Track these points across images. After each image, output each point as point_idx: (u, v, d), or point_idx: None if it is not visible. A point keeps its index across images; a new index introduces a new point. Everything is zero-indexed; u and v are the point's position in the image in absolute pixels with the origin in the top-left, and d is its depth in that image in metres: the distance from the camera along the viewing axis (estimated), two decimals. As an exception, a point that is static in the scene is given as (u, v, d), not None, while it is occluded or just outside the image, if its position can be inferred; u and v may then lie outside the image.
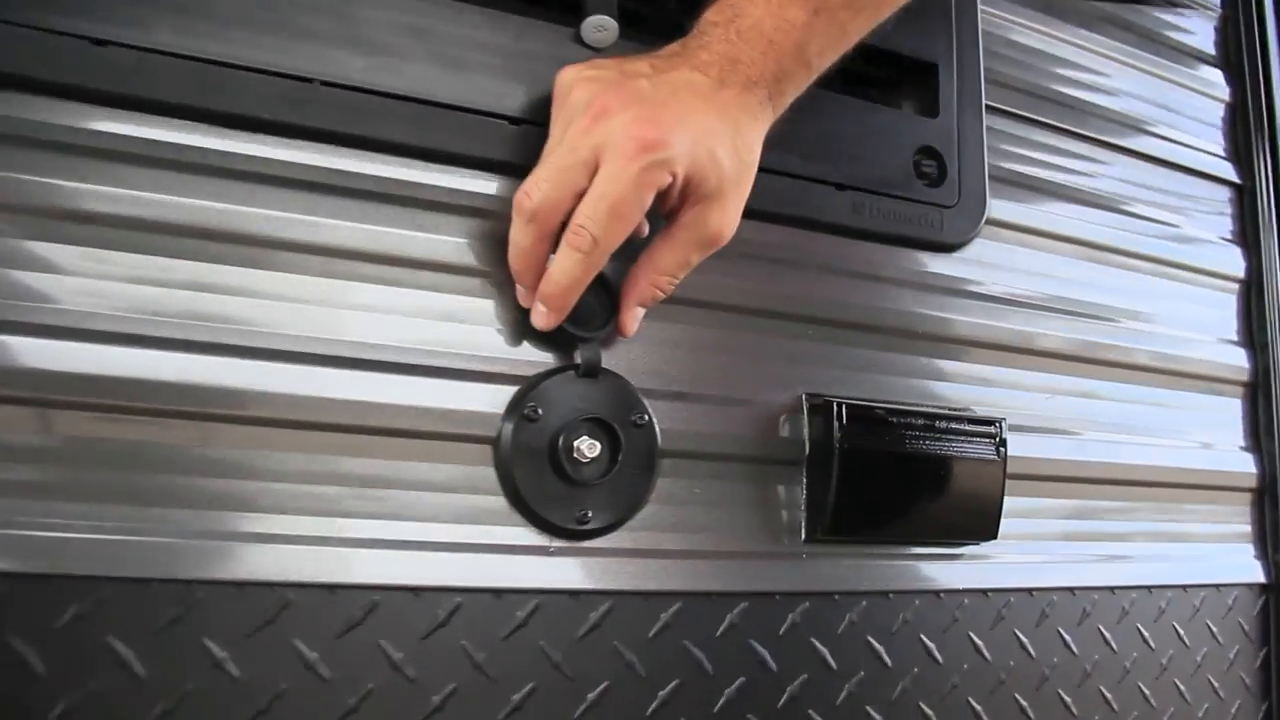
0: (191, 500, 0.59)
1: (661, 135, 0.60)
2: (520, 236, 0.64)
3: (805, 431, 0.77)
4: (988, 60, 0.90)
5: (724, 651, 0.72)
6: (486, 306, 0.68)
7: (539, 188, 0.62)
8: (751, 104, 0.65)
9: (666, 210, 0.66)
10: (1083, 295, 0.94)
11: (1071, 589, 0.89)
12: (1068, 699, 0.88)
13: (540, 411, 0.67)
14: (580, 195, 0.61)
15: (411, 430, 0.65)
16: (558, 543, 0.68)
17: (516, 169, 0.67)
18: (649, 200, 0.62)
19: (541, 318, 0.65)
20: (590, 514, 0.68)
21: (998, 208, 0.90)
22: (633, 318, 0.69)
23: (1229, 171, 1.09)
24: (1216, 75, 1.14)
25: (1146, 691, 0.93)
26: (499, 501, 0.67)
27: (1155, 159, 1.05)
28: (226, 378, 0.60)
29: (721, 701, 0.72)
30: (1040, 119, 0.96)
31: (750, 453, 0.75)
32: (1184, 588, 0.96)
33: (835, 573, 0.77)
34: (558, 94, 0.65)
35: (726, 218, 0.66)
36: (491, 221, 0.68)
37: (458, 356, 0.67)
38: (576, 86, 0.63)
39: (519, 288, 0.67)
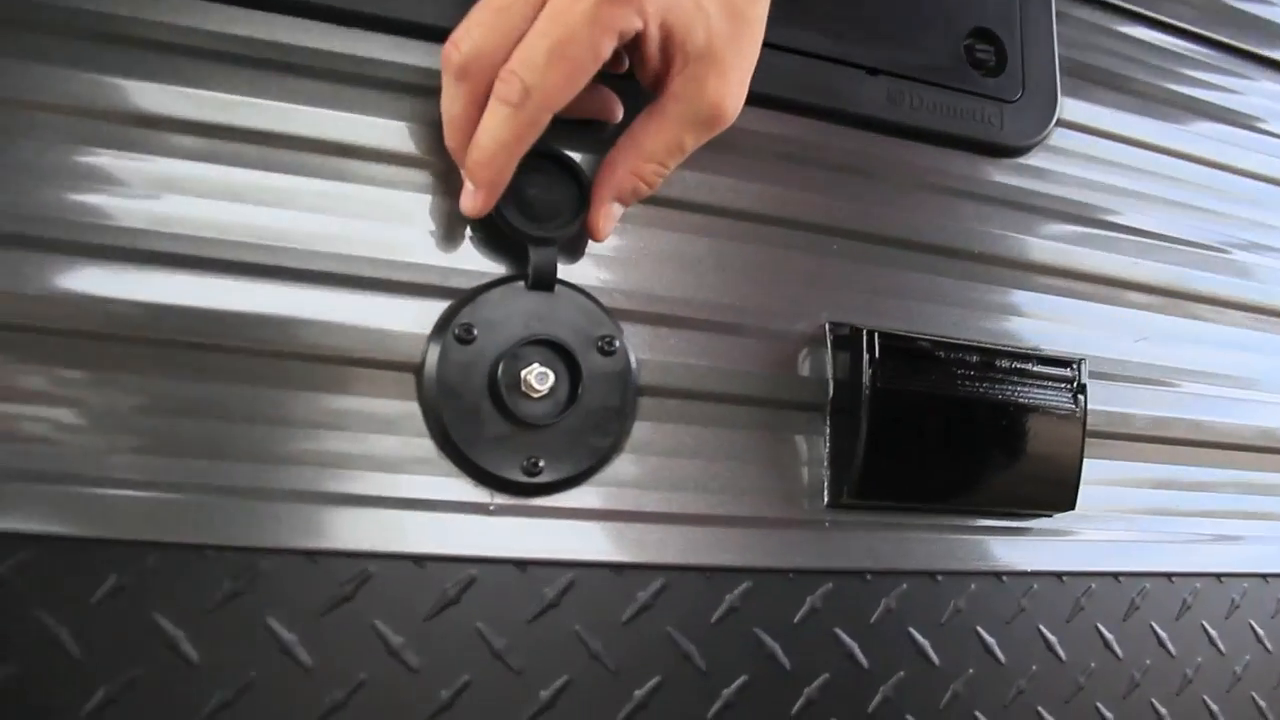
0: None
1: None
2: (450, 101, 0.49)
3: (829, 368, 0.61)
4: (1059, -70, 0.74)
5: (721, 643, 0.57)
6: (418, 203, 0.54)
7: (469, 35, 0.48)
8: None
9: (650, 78, 0.52)
10: (1183, 221, 0.76)
11: (1168, 575, 0.72)
12: (1162, 710, 0.71)
13: (476, 331, 0.52)
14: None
15: (322, 354, 0.51)
16: (500, 498, 0.53)
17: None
18: (605, 47, 0.47)
19: (468, 197, 0.51)
20: (542, 462, 0.53)
21: (1073, 108, 0.73)
22: (606, 216, 0.54)
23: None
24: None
25: (1262, 703, 0.75)
26: (425, 445, 0.53)
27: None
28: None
29: (718, 705, 0.57)
30: (1124, 4, 0.78)
31: (758, 393, 0.59)
32: (1310, 576, 0.78)
33: (867, 547, 0.61)
34: None
35: (727, 87, 0.51)
36: (427, 99, 0.53)
37: (379, 263, 0.52)
38: None
39: (463, 172, 0.52)
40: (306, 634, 0.49)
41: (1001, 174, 0.70)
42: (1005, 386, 0.64)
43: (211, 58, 0.51)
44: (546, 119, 0.48)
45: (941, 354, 0.62)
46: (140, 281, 0.49)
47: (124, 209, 0.49)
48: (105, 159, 0.49)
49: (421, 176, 0.54)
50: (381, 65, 0.54)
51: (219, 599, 0.48)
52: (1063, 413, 0.65)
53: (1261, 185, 0.80)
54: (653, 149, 0.52)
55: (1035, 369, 0.65)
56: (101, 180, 0.49)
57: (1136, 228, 0.74)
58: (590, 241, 0.56)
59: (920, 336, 0.62)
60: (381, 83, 0.54)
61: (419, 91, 0.54)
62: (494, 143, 0.48)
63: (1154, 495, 0.73)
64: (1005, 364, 0.64)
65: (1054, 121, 0.71)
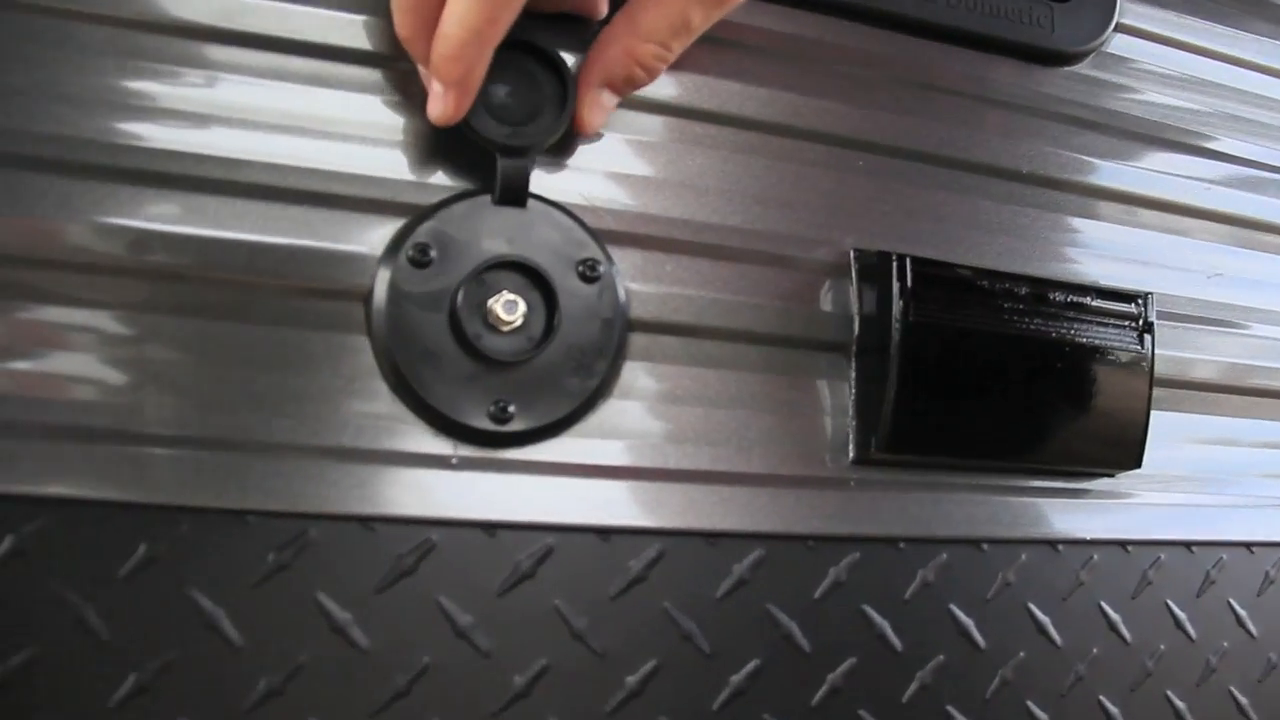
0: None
1: None
2: None
3: (853, 302, 0.53)
4: None
5: (728, 621, 0.49)
6: (370, 107, 0.46)
7: None
8: None
9: None
10: (1260, 142, 0.67)
11: (1248, 544, 0.63)
12: (1241, 698, 0.62)
13: (433, 253, 0.44)
14: None
15: (255, 281, 0.43)
16: (465, 450, 0.45)
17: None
18: None
19: (436, 101, 0.42)
20: (512, 408, 0.45)
21: (1134, 10, 0.63)
22: (594, 104, 0.45)
23: None
24: None
25: (1356, 691, 0.66)
26: (376, 387, 0.45)
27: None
28: None
29: (725, 694, 0.48)
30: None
31: (770, 330, 0.51)
32: None
33: (899, 509, 0.53)
34: None
35: None
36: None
37: (324, 175, 0.44)
38: None
39: (419, 68, 0.44)
40: (238, 610, 0.41)
41: (1051, 84, 0.61)
42: (1060, 323, 0.55)
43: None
44: (520, 2, 0.39)
45: (985, 284, 0.53)
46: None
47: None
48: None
49: (367, 76, 0.46)
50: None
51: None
52: (1127, 355, 0.57)
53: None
54: (652, 27, 0.44)
55: (1095, 304, 0.56)
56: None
57: (1206, 149, 0.65)
58: (572, 152, 0.48)
59: (960, 265, 0.53)
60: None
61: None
62: (463, 29, 0.40)
63: (1232, 453, 0.64)
64: (1060, 297, 0.55)
65: (1112, 26, 0.62)
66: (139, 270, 0.42)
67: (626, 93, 0.46)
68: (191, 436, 0.42)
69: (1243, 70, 0.67)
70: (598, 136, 0.48)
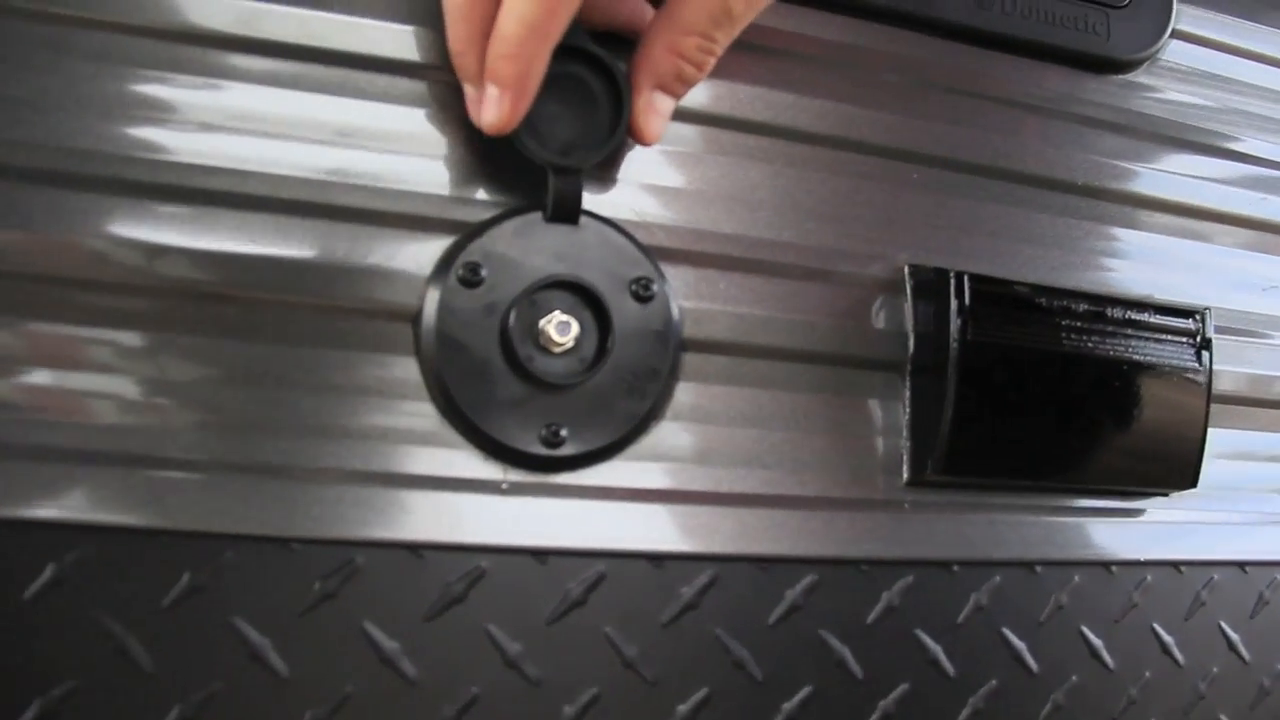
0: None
1: None
2: None
3: (908, 319, 0.51)
4: None
5: (780, 647, 0.48)
6: (417, 120, 0.45)
7: None
8: None
9: None
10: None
11: (1301, 564, 0.62)
12: (1295, 724, 0.61)
13: (485, 273, 0.43)
14: None
15: (297, 302, 0.42)
16: (515, 475, 0.44)
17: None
18: None
19: (492, 105, 0.41)
20: (564, 431, 0.44)
21: (1191, 16, 0.62)
22: (649, 110, 0.44)
23: None
24: None
25: None
26: (424, 410, 0.44)
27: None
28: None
29: (777, 722, 0.47)
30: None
31: (823, 349, 0.50)
32: None
33: (954, 532, 0.52)
34: None
35: None
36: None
37: (370, 192, 0.43)
38: None
39: (466, 86, 0.42)
40: (281, 640, 0.40)
41: (1107, 92, 0.59)
42: (1117, 341, 0.54)
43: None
44: None
45: (1044, 302, 0.52)
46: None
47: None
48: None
49: (414, 90, 0.45)
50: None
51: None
52: (1184, 372, 0.55)
53: None
54: (692, 19, 0.42)
55: (1152, 320, 0.55)
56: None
57: (1264, 158, 0.63)
58: (622, 166, 0.47)
59: (1018, 282, 0.52)
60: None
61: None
62: (522, 25, 0.38)
63: (1286, 471, 0.62)
64: (1117, 314, 0.54)
65: (1168, 32, 0.60)
66: (183, 292, 0.41)
67: (680, 92, 0.45)
68: (235, 463, 0.41)
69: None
70: (651, 151, 0.47)
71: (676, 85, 0.44)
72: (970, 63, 0.56)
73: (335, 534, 0.42)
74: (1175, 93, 0.61)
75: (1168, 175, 0.60)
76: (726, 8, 0.42)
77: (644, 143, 0.45)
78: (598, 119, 0.44)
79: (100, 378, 0.40)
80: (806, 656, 0.48)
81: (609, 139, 0.44)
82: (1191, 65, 0.62)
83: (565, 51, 0.41)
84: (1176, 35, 0.61)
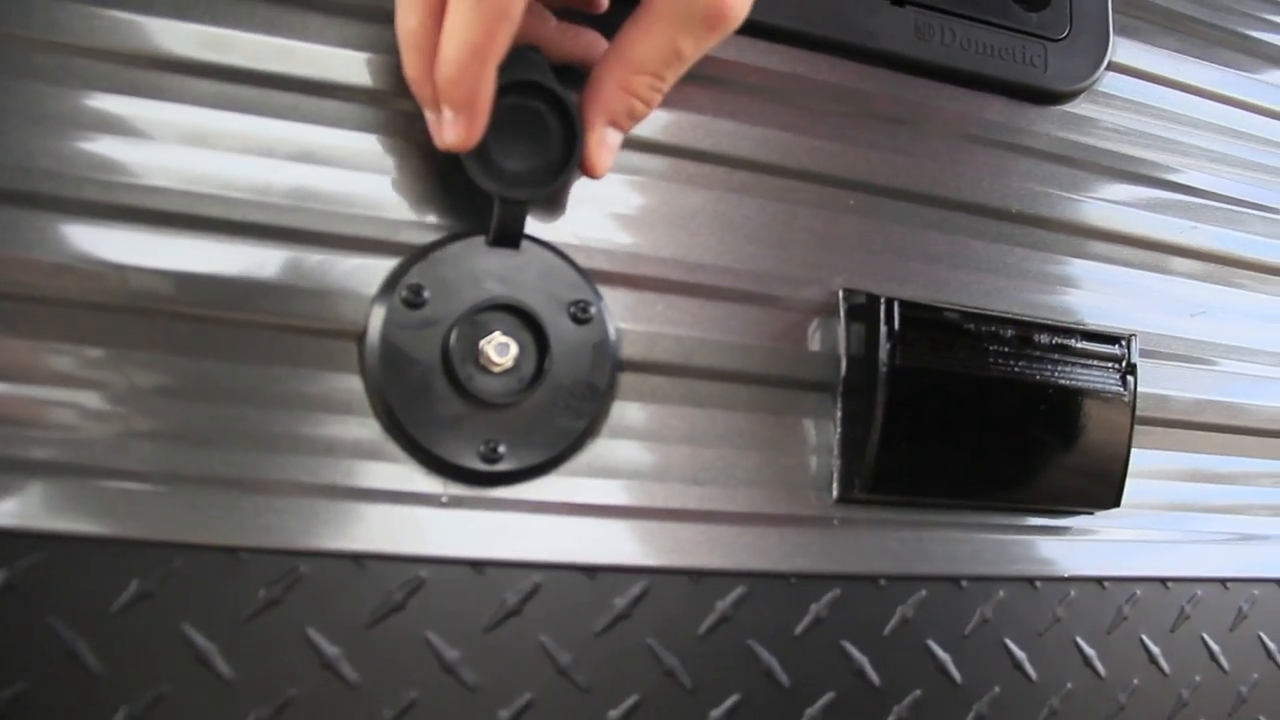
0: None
1: None
2: (405, 14, 0.42)
3: (841, 342, 0.54)
4: None
5: (710, 656, 0.51)
6: (366, 146, 0.47)
7: None
8: None
9: None
10: (1248, 181, 0.68)
11: (1223, 580, 0.65)
12: (1214, 733, 0.64)
13: (427, 294, 0.45)
14: None
15: (247, 320, 0.44)
16: (454, 489, 0.46)
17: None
18: None
19: (448, 128, 0.43)
20: (502, 448, 0.46)
21: (1126, 49, 0.65)
22: (600, 144, 0.46)
23: None
24: None
25: (1326, 725, 0.68)
26: (368, 425, 0.46)
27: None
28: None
29: (705, 729, 0.50)
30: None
31: (757, 370, 0.53)
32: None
33: (880, 547, 0.54)
34: None
35: None
36: (381, 23, 0.46)
37: (319, 215, 0.45)
38: None
39: (426, 112, 0.45)
40: (227, 645, 0.43)
41: (1044, 123, 0.62)
42: (1044, 365, 0.57)
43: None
44: (518, 18, 0.40)
45: (972, 327, 0.55)
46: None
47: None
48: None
49: (364, 114, 0.47)
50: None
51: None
52: (1109, 396, 0.58)
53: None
54: (643, 57, 0.45)
55: (1079, 345, 0.58)
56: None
57: (1195, 187, 0.67)
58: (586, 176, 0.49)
59: (948, 307, 0.55)
60: (324, 5, 0.47)
61: (369, 14, 0.47)
62: (462, 49, 0.40)
63: (1208, 490, 0.66)
64: (1045, 339, 0.57)
65: (1104, 65, 0.63)
66: (137, 309, 0.43)
67: (629, 127, 0.47)
68: (185, 473, 0.43)
69: (1231, 108, 0.69)
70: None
71: (626, 121, 0.46)
72: (910, 93, 0.59)
73: (281, 544, 0.44)
74: (1110, 123, 0.64)
75: (1101, 203, 0.63)
76: (676, 49, 0.44)
77: (594, 177, 0.47)
78: (549, 152, 0.46)
79: (55, 390, 0.42)
80: (735, 666, 0.51)
81: (559, 173, 0.46)
82: (1127, 96, 0.65)
83: (523, 85, 0.44)
84: (1113, 67, 0.64)
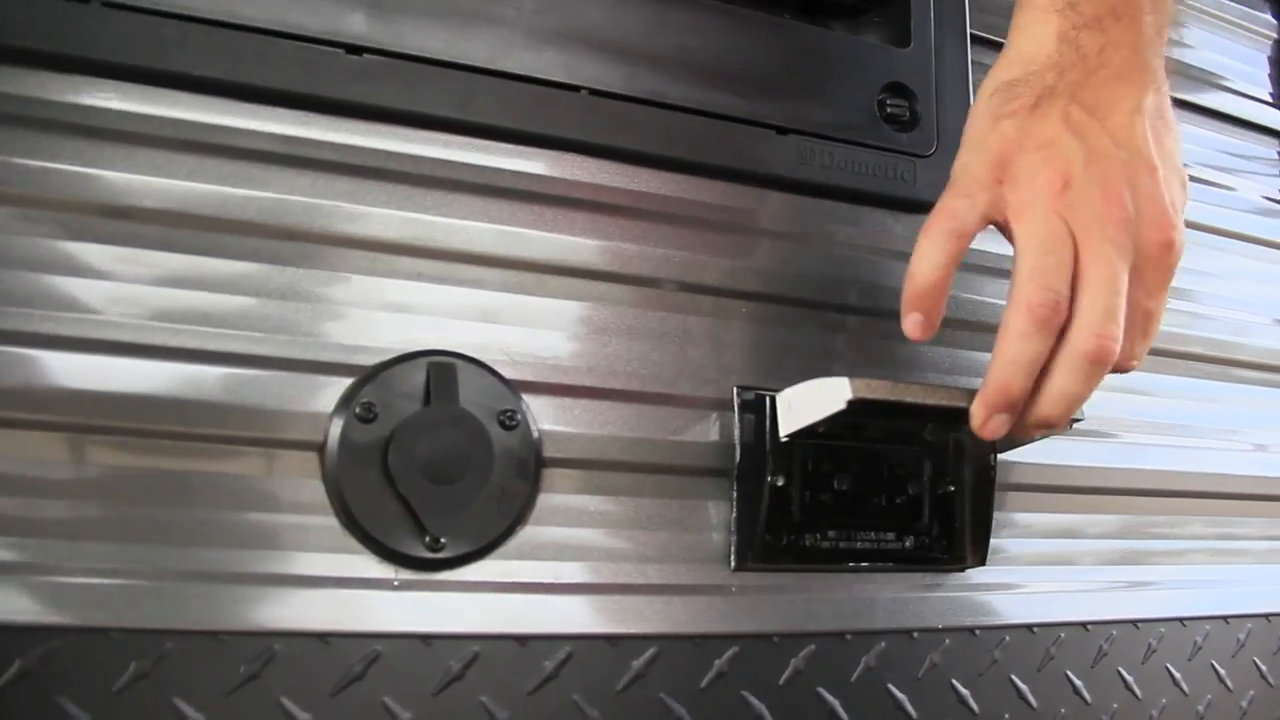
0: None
1: None
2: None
3: (736, 433, 0.66)
4: (974, -20, 0.79)
5: (627, 709, 0.62)
6: (323, 282, 0.59)
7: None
8: None
9: None
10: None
11: (1084, 624, 0.77)
12: (1081, 759, 0.76)
13: (378, 410, 0.56)
14: None
15: (220, 436, 0.55)
16: (405, 574, 0.57)
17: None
18: None
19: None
20: (444, 538, 0.57)
21: (987, 159, 0.77)
22: None
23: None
24: (1261, 8, 1.01)
25: (1181, 748, 0.80)
26: (329, 523, 0.57)
27: (1190, 105, 0.93)
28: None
29: (624, 772, 0.61)
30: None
31: (664, 460, 0.64)
32: (1225, 619, 0.84)
33: (774, 609, 0.66)
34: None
35: None
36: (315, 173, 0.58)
37: (284, 342, 0.56)
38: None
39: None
40: (214, 715, 0.53)
41: (914, 231, 0.74)
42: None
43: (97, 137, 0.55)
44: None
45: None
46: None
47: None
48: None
49: (311, 251, 0.58)
50: (264, 137, 0.58)
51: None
52: (976, 464, 0.70)
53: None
54: None
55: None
56: None
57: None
58: (495, 316, 0.61)
59: (826, 398, 0.67)
60: (282, 158, 0.58)
61: (340, 169, 0.59)
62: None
63: (1068, 545, 0.78)
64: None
65: (968, 176, 0.75)
66: (126, 429, 0.54)
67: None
68: (172, 570, 0.54)
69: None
70: (516, 299, 0.61)
71: None
72: (795, 209, 0.71)
73: (256, 626, 0.55)
74: (973, 226, 0.76)
75: (969, 297, 0.75)
76: None
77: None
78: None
79: (59, 504, 0.53)
80: (650, 717, 0.62)
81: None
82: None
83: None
84: (976, 176, 0.76)
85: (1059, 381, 0.56)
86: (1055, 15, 0.61)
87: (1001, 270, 0.76)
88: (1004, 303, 0.72)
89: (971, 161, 0.60)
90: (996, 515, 0.72)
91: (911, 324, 0.59)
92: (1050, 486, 0.77)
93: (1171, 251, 0.58)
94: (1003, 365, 0.57)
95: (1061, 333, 0.56)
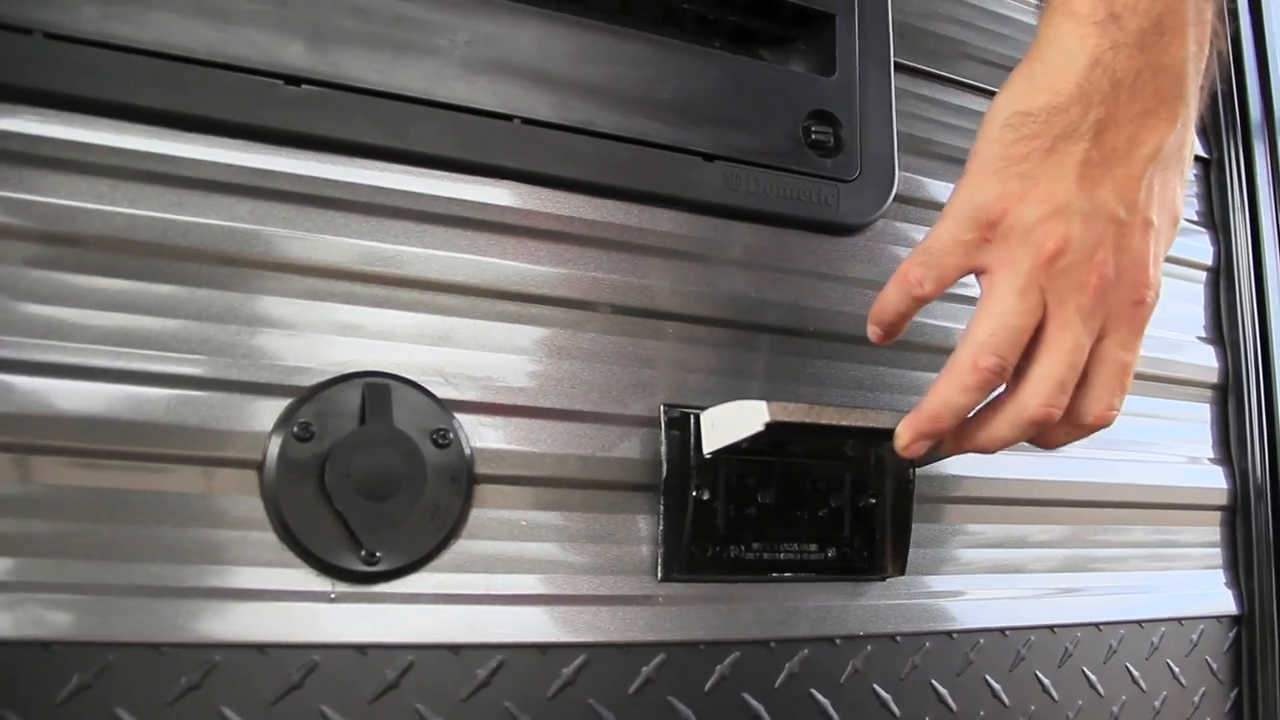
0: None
1: None
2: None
3: (662, 449, 0.69)
4: (897, 11, 0.83)
5: (559, 714, 0.65)
6: (267, 306, 0.62)
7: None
8: None
9: None
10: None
11: (1003, 630, 0.82)
12: (1001, 760, 0.80)
13: (315, 429, 0.59)
14: None
15: (163, 454, 0.58)
16: (341, 587, 0.60)
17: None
18: None
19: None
20: (380, 552, 0.60)
21: (910, 183, 0.82)
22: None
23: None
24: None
25: (1097, 748, 0.85)
26: (268, 538, 0.60)
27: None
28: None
29: (555, 775, 0.64)
30: (965, 79, 0.88)
31: (592, 476, 0.68)
32: (1139, 623, 0.89)
33: (699, 618, 0.70)
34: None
35: None
36: (261, 199, 0.61)
37: (225, 364, 0.59)
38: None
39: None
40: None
41: (837, 252, 0.79)
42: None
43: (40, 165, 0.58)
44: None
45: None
46: None
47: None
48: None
49: (251, 276, 0.61)
50: (205, 166, 0.61)
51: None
52: (895, 478, 0.74)
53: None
54: None
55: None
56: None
57: (969, 296, 0.83)
58: (428, 338, 0.64)
59: (750, 416, 0.70)
60: (222, 185, 0.61)
61: (295, 198, 0.62)
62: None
63: (990, 554, 0.83)
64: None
65: (891, 199, 0.80)
66: (68, 449, 0.56)
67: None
68: (114, 585, 0.57)
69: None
70: (451, 322, 0.64)
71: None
72: (721, 233, 0.75)
73: (197, 638, 0.58)
74: (896, 249, 0.81)
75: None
76: None
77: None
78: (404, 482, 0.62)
79: (1, 521, 0.55)
80: (580, 722, 0.66)
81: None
82: (914, 225, 0.82)
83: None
84: (901, 200, 0.81)
85: (996, 428, 0.61)
86: (1093, 30, 0.56)
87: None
88: (936, 324, 0.78)
89: (967, 211, 0.59)
90: (918, 526, 0.76)
91: (872, 334, 0.65)
92: (971, 498, 0.81)
93: (1143, 309, 0.59)
94: (939, 404, 0.60)
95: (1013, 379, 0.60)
